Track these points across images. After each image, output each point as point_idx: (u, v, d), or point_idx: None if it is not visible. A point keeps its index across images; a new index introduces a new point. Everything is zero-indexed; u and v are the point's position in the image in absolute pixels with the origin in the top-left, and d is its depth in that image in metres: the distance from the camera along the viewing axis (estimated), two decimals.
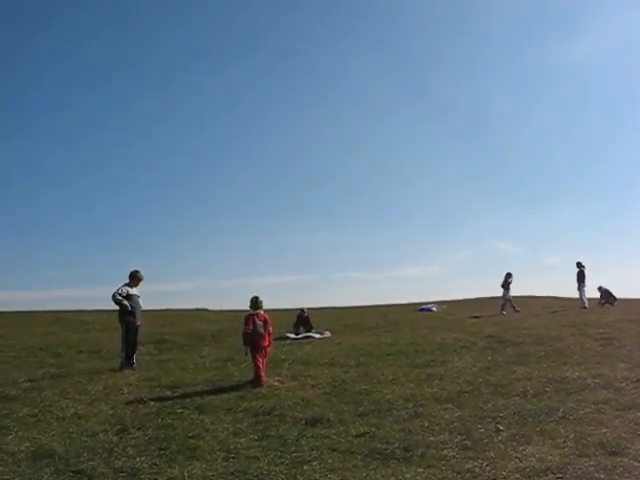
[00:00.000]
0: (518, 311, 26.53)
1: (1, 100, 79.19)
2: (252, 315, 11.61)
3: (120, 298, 13.59)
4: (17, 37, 77.59)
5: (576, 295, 27.49)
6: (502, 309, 26.76)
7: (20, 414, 9.36)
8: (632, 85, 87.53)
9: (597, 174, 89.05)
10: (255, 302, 11.81)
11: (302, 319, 21.89)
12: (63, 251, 75.22)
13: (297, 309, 23.11)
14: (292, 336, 20.43)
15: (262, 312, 11.79)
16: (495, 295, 29.41)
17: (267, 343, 11.69)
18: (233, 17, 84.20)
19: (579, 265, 27.20)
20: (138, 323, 13.96)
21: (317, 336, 20.33)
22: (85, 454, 7.29)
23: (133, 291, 14.02)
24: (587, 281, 27.12)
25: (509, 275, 27.68)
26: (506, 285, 27.61)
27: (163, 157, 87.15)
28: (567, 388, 9.86)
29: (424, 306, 32.23)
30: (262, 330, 11.54)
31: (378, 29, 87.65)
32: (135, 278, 14.17)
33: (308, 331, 21.07)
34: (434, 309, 31.27)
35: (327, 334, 20.74)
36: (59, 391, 11.02)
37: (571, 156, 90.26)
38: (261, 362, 11.31)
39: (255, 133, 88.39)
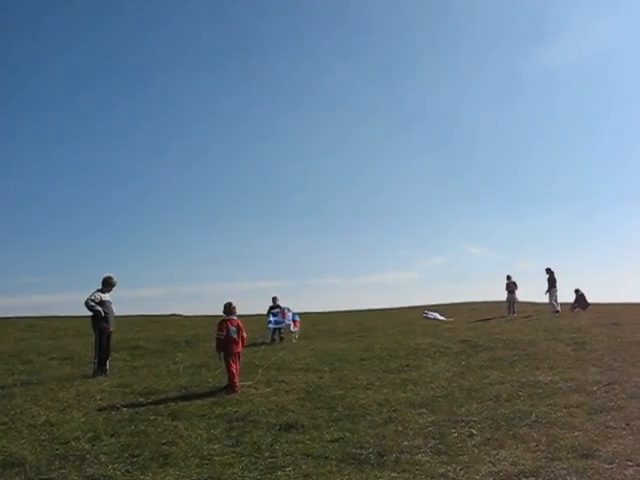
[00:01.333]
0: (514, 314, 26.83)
1: None
2: (225, 321, 11.58)
3: (93, 304, 13.48)
4: None
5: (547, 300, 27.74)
6: (509, 311, 27.07)
7: None
8: (601, 92, 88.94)
9: (569, 178, 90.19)
10: (229, 308, 11.78)
11: (274, 306, 22.04)
12: (36, 258, 74.51)
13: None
14: (272, 325, 21.02)
15: (235, 318, 11.76)
16: (471, 300, 29.44)
17: (240, 349, 11.67)
18: (209, 23, 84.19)
19: (548, 271, 27.49)
20: (111, 329, 13.86)
21: (290, 324, 21.15)
22: (56, 462, 7.22)
23: (106, 297, 13.90)
24: (559, 285, 27.46)
25: (508, 277, 27.87)
26: (509, 287, 27.80)
27: (136, 163, 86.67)
28: (540, 392, 9.95)
29: (430, 314, 29.26)
30: (235, 336, 11.51)
31: (351, 37, 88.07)
32: (108, 284, 14.04)
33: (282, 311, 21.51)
34: (438, 317, 28.40)
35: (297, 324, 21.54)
36: (30, 398, 10.89)
37: (543, 161, 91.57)
38: (235, 368, 11.27)
39: (231, 138, 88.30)
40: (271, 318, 20.97)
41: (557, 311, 26.40)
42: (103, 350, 13.65)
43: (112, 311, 13.97)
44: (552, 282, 27.29)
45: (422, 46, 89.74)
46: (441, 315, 28.14)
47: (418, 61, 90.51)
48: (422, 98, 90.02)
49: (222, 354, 11.43)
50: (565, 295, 28.24)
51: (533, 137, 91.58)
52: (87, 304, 13.52)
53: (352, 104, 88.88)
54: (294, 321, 21.33)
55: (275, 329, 20.99)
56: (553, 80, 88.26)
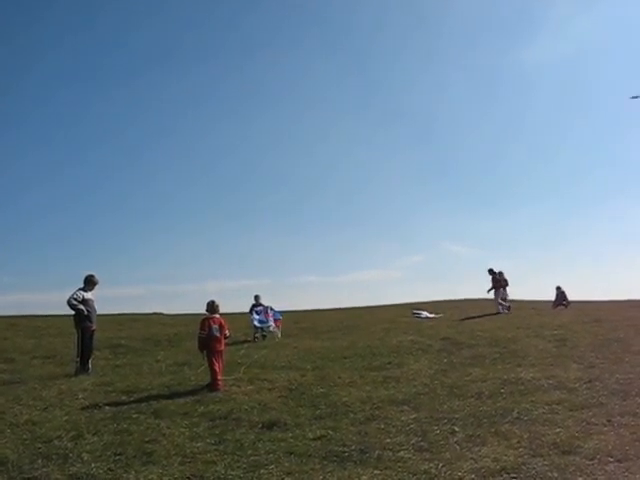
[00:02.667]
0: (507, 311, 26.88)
1: None
2: (208, 319, 11.58)
3: (75, 303, 13.43)
4: None
5: (533, 298, 27.83)
6: (503, 308, 27.06)
7: None
8: (581, 88, 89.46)
9: (548, 175, 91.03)
10: (211, 306, 11.78)
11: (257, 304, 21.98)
12: (17, 257, 73.94)
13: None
14: (257, 323, 20.89)
15: (218, 316, 11.75)
16: (452, 298, 29.44)
17: (223, 347, 11.66)
18: (195, 19, 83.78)
19: (491, 272, 27.47)
20: (94, 328, 13.83)
21: (271, 325, 21.11)
22: (39, 461, 7.20)
23: (88, 295, 13.89)
24: (509, 287, 27.65)
25: (500, 273, 27.80)
26: (497, 284, 27.75)
27: (122, 161, 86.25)
28: (521, 389, 10.02)
29: (418, 313, 28.56)
30: (218, 334, 11.50)
31: (331, 33, 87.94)
32: (90, 282, 14.02)
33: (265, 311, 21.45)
34: (428, 315, 27.93)
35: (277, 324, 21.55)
36: (12, 397, 10.84)
37: (521, 158, 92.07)
38: (217, 366, 11.26)
39: (212, 136, 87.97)
40: (255, 316, 20.90)
41: (498, 313, 26.43)
42: (86, 349, 13.60)
43: (94, 309, 13.95)
44: (496, 283, 27.31)
45: (402, 43, 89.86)
46: (429, 313, 28.01)
47: (399, 58, 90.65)
48: (401, 95, 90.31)
49: (205, 352, 11.43)
50: (546, 293, 28.35)
51: (513, 134, 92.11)
52: (69, 303, 13.47)
53: (332, 101, 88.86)
54: (276, 320, 21.34)
55: (259, 328, 20.95)
56: (534, 77, 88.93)
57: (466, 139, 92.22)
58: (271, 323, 20.98)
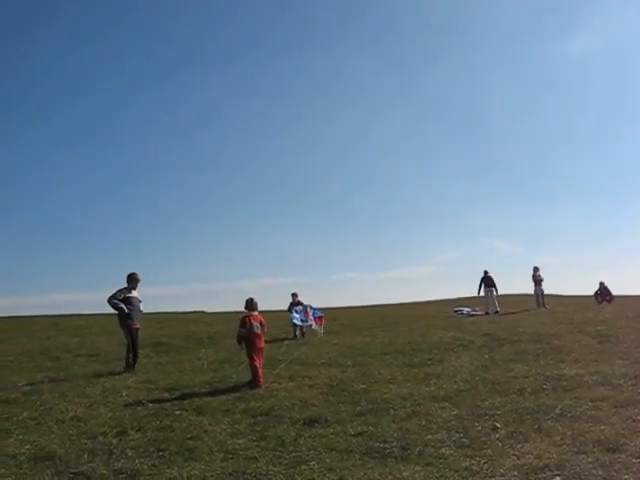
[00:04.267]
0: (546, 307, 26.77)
1: None
2: (248, 316, 11.62)
3: (116, 302, 13.51)
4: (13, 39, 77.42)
5: (573, 293, 27.69)
6: (540, 304, 26.99)
7: (20, 417, 9.37)
8: (632, 81, 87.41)
9: (595, 172, 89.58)
10: (250, 303, 11.82)
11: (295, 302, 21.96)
12: (60, 256, 75.13)
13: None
14: (297, 322, 20.84)
15: (257, 314, 11.80)
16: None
17: (263, 344, 11.72)
18: (229, 18, 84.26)
19: (485, 272, 27.45)
20: (136, 326, 13.92)
21: (312, 324, 21.03)
22: (85, 456, 7.30)
23: (132, 294, 13.94)
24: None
25: (536, 269, 27.65)
26: (536, 279, 27.67)
27: (158, 159, 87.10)
28: (564, 385, 9.90)
29: (460, 309, 28.83)
30: (259, 331, 11.55)
31: (373, 27, 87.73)
32: (133, 280, 14.10)
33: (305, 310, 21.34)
34: (471, 311, 27.95)
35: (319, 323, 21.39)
36: (58, 394, 11.01)
37: (569, 154, 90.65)
38: (258, 363, 11.32)
39: (251, 134, 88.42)
40: (295, 314, 20.89)
41: (487, 313, 26.28)
42: (131, 347, 13.72)
43: (138, 308, 14.02)
44: (488, 281, 27.11)
45: (447, 36, 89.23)
46: (472, 310, 27.89)
47: (443, 52, 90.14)
48: (447, 90, 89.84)
49: (245, 350, 11.49)
50: (590, 289, 28.11)
51: (562, 129, 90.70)
52: (110, 302, 13.56)
53: (373, 98, 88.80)
54: (318, 318, 21.28)
55: (298, 325, 20.92)
56: (583, 69, 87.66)
57: (513, 134, 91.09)
58: (311, 322, 20.95)
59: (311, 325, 20.87)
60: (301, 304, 21.46)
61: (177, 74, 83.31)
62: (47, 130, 79.99)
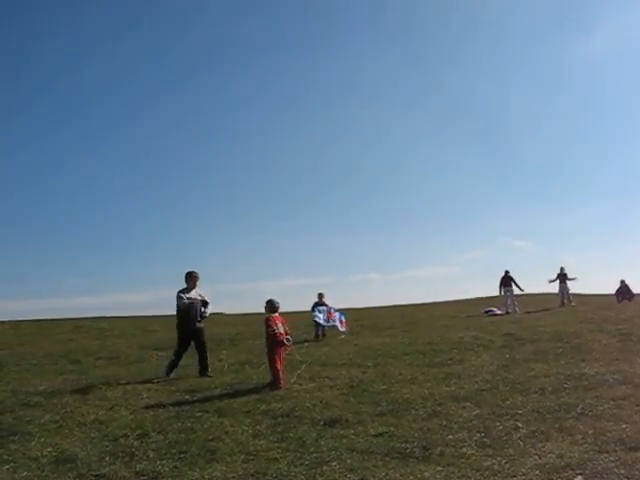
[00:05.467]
0: (564, 305, 26.80)
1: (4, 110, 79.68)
2: (272, 317, 11.64)
3: (183, 302, 13.20)
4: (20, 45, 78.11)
5: (591, 292, 27.74)
6: (564, 301, 27.04)
7: (42, 420, 9.44)
8: None
9: (615, 171, 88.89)
10: (272, 305, 11.83)
11: (320, 303, 21.89)
12: (81, 259, 75.66)
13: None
14: (320, 321, 20.69)
15: (278, 315, 11.82)
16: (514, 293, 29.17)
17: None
18: (246, 19, 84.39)
19: (506, 272, 27.62)
20: (198, 325, 13.46)
21: (337, 325, 20.87)
22: (107, 458, 7.35)
23: (191, 294, 13.40)
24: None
25: (561, 269, 27.74)
26: (561, 278, 27.73)
27: (178, 161, 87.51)
28: (585, 384, 9.84)
29: (489, 309, 28.21)
30: (281, 332, 11.57)
31: (392, 27, 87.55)
32: (191, 278, 13.55)
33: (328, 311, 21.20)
34: (498, 312, 27.34)
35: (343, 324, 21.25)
36: (79, 397, 11.08)
37: (589, 153, 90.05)
38: (279, 364, 11.33)
39: (270, 134, 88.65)
40: (318, 314, 20.76)
41: (508, 312, 26.45)
42: (199, 349, 13.49)
43: (194, 307, 13.37)
44: (507, 281, 27.12)
45: (466, 36, 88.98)
46: (498, 309, 27.78)
47: (462, 52, 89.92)
48: (466, 90, 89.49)
49: (267, 350, 11.52)
50: (611, 288, 28.03)
51: (581, 129, 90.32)
52: (178, 305, 13.26)
53: (393, 97, 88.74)
54: (341, 321, 21.22)
55: (320, 325, 20.84)
56: (602, 69, 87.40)
57: (532, 134, 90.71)
58: (336, 323, 20.84)
59: (336, 326, 20.77)
60: (325, 305, 21.39)
61: (195, 77, 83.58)
62: (70, 131, 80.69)
